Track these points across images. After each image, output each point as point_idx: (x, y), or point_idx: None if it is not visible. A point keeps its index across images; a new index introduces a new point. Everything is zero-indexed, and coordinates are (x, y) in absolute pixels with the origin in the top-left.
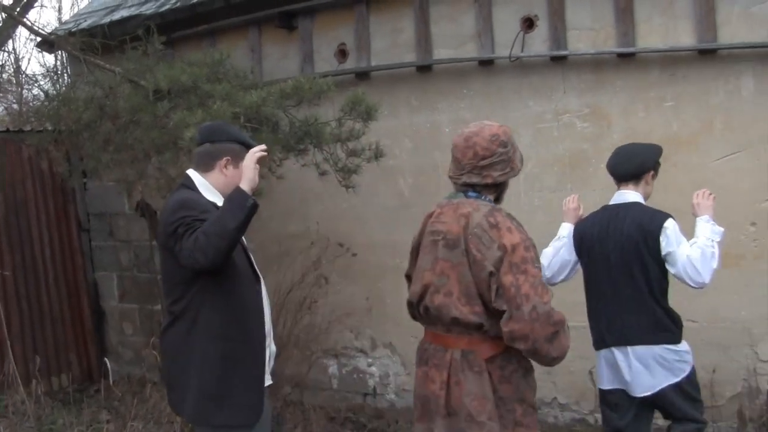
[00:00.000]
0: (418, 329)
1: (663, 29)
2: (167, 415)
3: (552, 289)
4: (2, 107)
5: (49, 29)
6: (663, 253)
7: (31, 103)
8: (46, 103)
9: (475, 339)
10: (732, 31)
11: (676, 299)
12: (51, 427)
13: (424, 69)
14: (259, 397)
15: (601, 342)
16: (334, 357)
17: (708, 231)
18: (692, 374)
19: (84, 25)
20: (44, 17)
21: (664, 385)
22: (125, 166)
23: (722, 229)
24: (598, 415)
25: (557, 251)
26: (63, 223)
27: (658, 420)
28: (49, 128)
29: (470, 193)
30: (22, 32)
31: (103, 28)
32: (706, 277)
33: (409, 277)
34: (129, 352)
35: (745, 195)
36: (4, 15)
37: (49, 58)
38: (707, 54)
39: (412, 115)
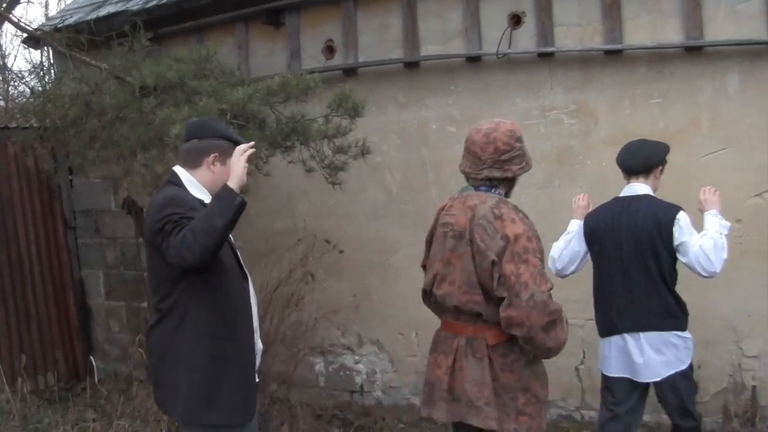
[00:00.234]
0: (405, 326)
1: (650, 26)
2: (154, 413)
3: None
4: None
5: (35, 25)
6: (676, 243)
7: (17, 100)
8: (32, 100)
9: (479, 327)
10: (718, 28)
11: None
12: (37, 426)
13: (412, 65)
14: (250, 396)
15: (612, 328)
16: (320, 354)
17: (716, 224)
18: (692, 364)
19: (70, 21)
20: (31, 13)
21: (672, 372)
22: (111, 163)
23: (729, 224)
24: (585, 412)
25: (568, 243)
26: (49, 221)
27: (645, 416)
28: (35, 125)
29: (481, 187)
30: (8, 29)
31: (89, 24)
32: (718, 267)
33: (424, 267)
34: (115, 350)
35: (731, 192)
36: None
37: (36, 55)
38: (694, 51)
39: (400, 111)
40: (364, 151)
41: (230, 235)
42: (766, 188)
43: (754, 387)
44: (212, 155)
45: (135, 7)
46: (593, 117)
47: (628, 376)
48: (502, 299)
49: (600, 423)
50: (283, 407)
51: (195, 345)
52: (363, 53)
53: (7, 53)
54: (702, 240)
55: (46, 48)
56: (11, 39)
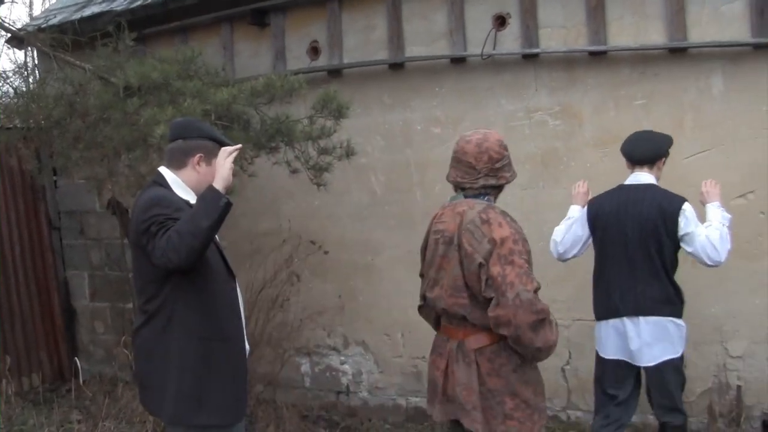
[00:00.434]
0: (391, 327)
1: (634, 28)
2: (139, 414)
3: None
4: None
5: (19, 25)
6: (681, 233)
7: (1, 100)
8: (15, 100)
9: (468, 331)
10: (702, 30)
11: None
12: (21, 427)
13: (397, 66)
14: (240, 396)
15: (612, 312)
16: (306, 355)
17: (719, 215)
18: (683, 357)
19: (54, 21)
20: (15, 13)
21: (667, 357)
22: (95, 164)
23: (730, 216)
24: (571, 412)
25: (569, 228)
26: (33, 222)
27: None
28: (19, 125)
29: (469, 195)
30: None
31: (73, 24)
32: (723, 257)
33: (422, 276)
34: (100, 351)
35: None
36: None
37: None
38: (678, 53)
39: (385, 112)
40: (349, 153)
41: (216, 236)
42: (751, 189)
43: (739, 387)
44: (197, 155)
45: (119, 8)
46: (578, 118)
47: (625, 359)
48: (489, 301)
49: (597, 408)
50: (268, 408)
51: (183, 346)
52: (348, 54)
53: None
54: (708, 230)
55: (30, 48)
56: None
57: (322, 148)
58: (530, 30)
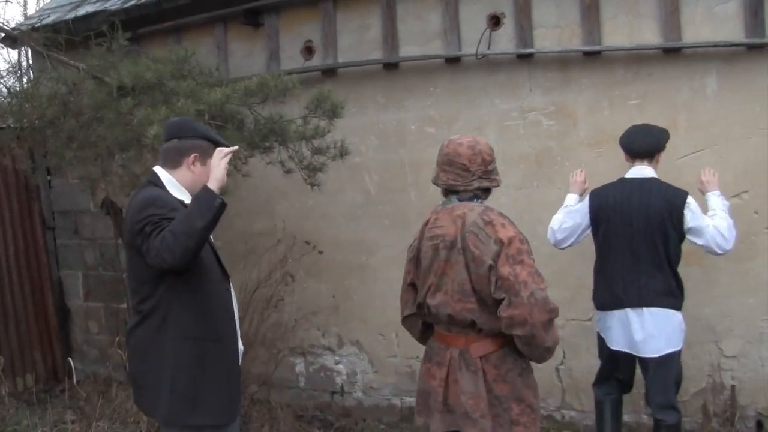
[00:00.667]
0: (385, 327)
1: (628, 28)
2: (133, 414)
3: None
4: None
5: (13, 24)
6: (687, 226)
7: None
8: (9, 100)
9: (471, 338)
10: (696, 30)
11: None
12: (15, 428)
13: (391, 66)
14: (234, 396)
15: (616, 303)
16: (301, 355)
17: (720, 204)
18: (681, 352)
19: (48, 20)
20: (9, 12)
21: (670, 350)
22: (89, 164)
23: (729, 203)
24: (565, 411)
25: (567, 216)
26: (27, 221)
27: (625, 416)
28: (12, 125)
29: (463, 199)
30: None
31: (67, 24)
32: (731, 244)
33: (413, 285)
34: (94, 351)
35: None
36: None
37: (14, 54)
38: (672, 53)
39: (379, 112)
40: (343, 152)
41: (210, 236)
42: (745, 189)
43: (733, 387)
44: (192, 155)
45: (113, 7)
46: (572, 118)
47: (628, 351)
48: (497, 304)
49: (599, 381)
50: (263, 408)
51: (178, 346)
52: (342, 54)
53: None
54: (714, 221)
55: (23, 47)
56: None
57: (316, 147)
58: (524, 30)
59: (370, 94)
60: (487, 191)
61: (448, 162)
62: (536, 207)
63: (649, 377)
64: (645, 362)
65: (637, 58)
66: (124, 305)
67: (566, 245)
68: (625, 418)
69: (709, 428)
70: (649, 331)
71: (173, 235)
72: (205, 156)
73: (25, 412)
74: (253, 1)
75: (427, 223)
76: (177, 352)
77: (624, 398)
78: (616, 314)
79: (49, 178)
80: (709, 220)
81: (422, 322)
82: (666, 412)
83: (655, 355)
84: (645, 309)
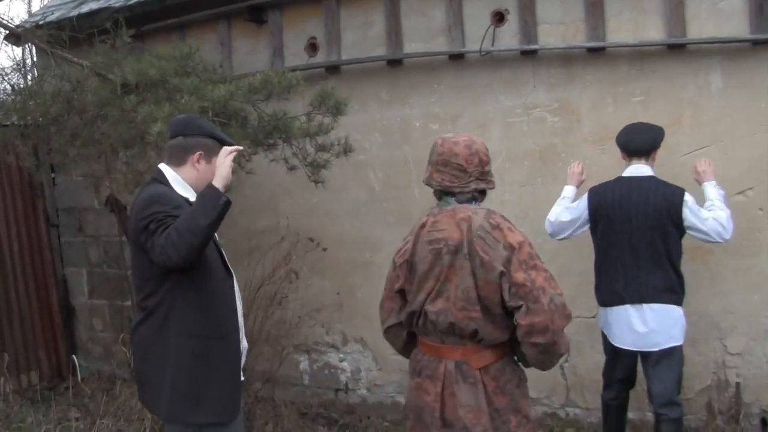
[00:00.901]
0: None
1: (632, 24)
2: (137, 412)
3: None
4: None
5: (17, 22)
6: (686, 223)
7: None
8: (13, 97)
9: (468, 349)
10: (700, 26)
11: None
12: (20, 425)
13: (395, 63)
14: (236, 394)
15: (617, 299)
16: (305, 352)
17: (717, 194)
18: (682, 348)
19: (52, 17)
20: (14, 10)
21: (671, 344)
22: (92, 161)
23: (724, 192)
24: (570, 409)
25: (565, 210)
26: (31, 219)
27: (630, 413)
28: (16, 122)
29: (462, 201)
30: None
31: (71, 21)
32: (730, 233)
33: (401, 292)
34: (99, 349)
35: None
36: None
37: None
38: (676, 49)
39: (383, 109)
40: (347, 149)
41: (215, 234)
42: (749, 185)
43: (737, 384)
44: (197, 153)
45: (117, 4)
46: (576, 115)
47: (630, 348)
48: (505, 313)
49: (610, 381)
50: (267, 406)
51: (181, 343)
52: (346, 51)
53: None
54: (713, 213)
55: (27, 45)
56: None
57: (319, 144)
58: (529, 26)
59: (374, 90)
60: (483, 193)
61: (443, 162)
62: (540, 204)
63: (650, 372)
64: (646, 357)
65: (641, 54)
66: (129, 302)
67: (560, 237)
68: (630, 415)
69: (714, 425)
70: (650, 326)
71: (178, 233)
72: (209, 154)
73: (30, 409)
74: None
75: (423, 226)
76: (180, 350)
77: (629, 396)
78: (617, 310)
79: (53, 175)
80: (708, 212)
81: (407, 333)
82: (668, 407)
83: (656, 349)
84: (645, 305)
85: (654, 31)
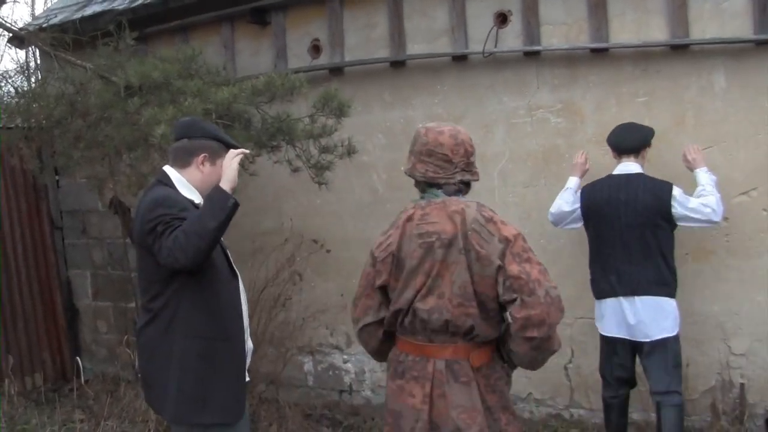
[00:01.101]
0: None
1: (636, 25)
2: (141, 413)
3: None
4: None
5: (21, 24)
6: (677, 215)
7: (4, 99)
8: (17, 100)
9: (460, 347)
10: (704, 27)
11: None
12: (24, 427)
13: (398, 64)
14: (241, 395)
15: (610, 291)
16: (309, 354)
17: (708, 179)
18: (679, 336)
19: (55, 20)
20: (17, 13)
21: (663, 335)
22: (96, 163)
23: (716, 178)
24: (574, 410)
25: (564, 202)
26: (35, 221)
27: (634, 414)
28: (20, 125)
29: (449, 193)
30: None
31: (74, 24)
32: (720, 216)
33: (383, 288)
34: (103, 351)
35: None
36: None
37: (22, 54)
38: (679, 49)
39: (386, 110)
40: (350, 151)
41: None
42: (753, 186)
43: (742, 385)
44: (201, 155)
45: (120, 7)
46: (579, 115)
47: (624, 336)
48: (499, 308)
49: (607, 379)
50: (271, 407)
51: (186, 345)
52: (349, 52)
53: None
54: (702, 198)
55: (31, 48)
56: None
57: (323, 146)
58: (532, 27)
59: (377, 92)
60: (467, 185)
61: (427, 152)
62: (544, 205)
63: (645, 363)
64: (640, 348)
65: (644, 55)
66: (133, 304)
67: (559, 226)
68: (634, 416)
69: (718, 426)
70: (641, 317)
71: (186, 235)
72: (214, 156)
73: (34, 411)
74: (260, 0)
75: (410, 219)
76: (186, 351)
77: (632, 397)
78: (610, 302)
79: (56, 177)
80: (696, 199)
81: (383, 332)
82: (665, 395)
83: (647, 340)
84: (637, 297)
85: (657, 32)
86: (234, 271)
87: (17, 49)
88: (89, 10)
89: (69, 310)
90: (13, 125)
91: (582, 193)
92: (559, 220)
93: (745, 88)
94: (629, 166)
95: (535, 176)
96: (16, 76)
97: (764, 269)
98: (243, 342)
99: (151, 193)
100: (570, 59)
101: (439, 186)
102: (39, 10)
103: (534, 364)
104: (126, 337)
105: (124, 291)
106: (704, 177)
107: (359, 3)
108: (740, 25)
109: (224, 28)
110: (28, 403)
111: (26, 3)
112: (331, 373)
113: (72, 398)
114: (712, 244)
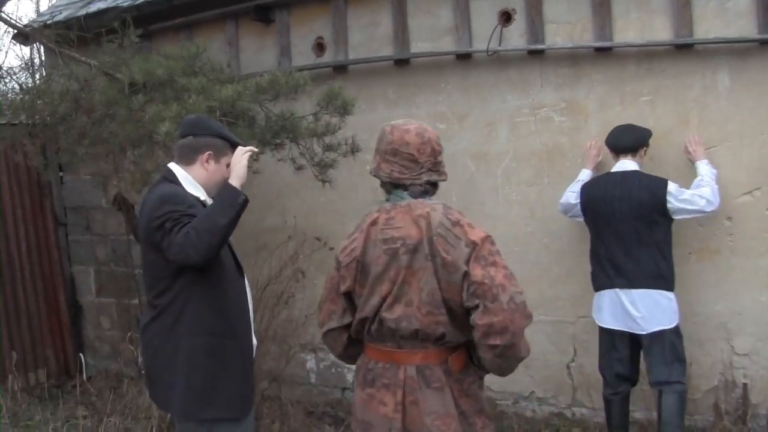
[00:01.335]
0: None
1: (640, 23)
2: (144, 410)
3: (534, 277)
4: None
5: (26, 21)
6: (672, 210)
7: (8, 95)
8: (21, 96)
9: (430, 353)
10: (708, 26)
11: None
12: (27, 423)
13: (402, 63)
14: (248, 391)
15: (607, 283)
16: (311, 351)
17: (709, 171)
18: (679, 329)
19: (60, 17)
20: (22, 9)
21: (659, 328)
22: (100, 160)
23: (716, 171)
24: (576, 409)
25: (570, 194)
26: (39, 218)
27: (636, 413)
28: (24, 121)
29: (415, 195)
30: None
31: (79, 20)
32: (717, 204)
33: (348, 294)
34: (106, 347)
35: (721, 190)
36: None
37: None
38: (683, 49)
39: (390, 108)
40: (354, 149)
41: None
42: (757, 186)
43: (745, 385)
44: (206, 153)
45: (125, 4)
46: (583, 114)
47: (621, 328)
48: (467, 313)
49: (606, 376)
50: (274, 405)
51: (194, 341)
52: (353, 50)
53: None
54: (697, 190)
55: (35, 44)
56: (2, 36)
57: (327, 144)
58: (536, 26)
59: (381, 90)
60: (435, 186)
61: (392, 152)
62: (547, 203)
63: (647, 357)
64: (639, 341)
65: (648, 54)
66: (136, 301)
67: (567, 216)
68: (637, 415)
69: (721, 426)
70: (638, 309)
71: (197, 232)
72: (218, 154)
73: (37, 407)
74: None
75: (374, 223)
76: (193, 347)
77: (635, 396)
78: (608, 293)
79: (60, 174)
80: (690, 191)
81: (347, 336)
82: (664, 384)
83: (644, 333)
84: (634, 290)
85: (661, 31)
86: (240, 268)
87: (22, 46)
88: (94, 7)
89: (72, 307)
90: (17, 122)
91: (582, 190)
92: (566, 210)
93: (750, 88)
94: (625, 164)
95: (538, 175)
96: (20, 73)
97: (767, 269)
98: (250, 339)
99: (158, 190)
100: (574, 58)
101: (405, 187)
102: (44, 6)
103: (501, 371)
104: (129, 333)
105: (128, 287)
106: (705, 169)
107: (363, 1)
108: (744, 25)
109: (228, 26)
110: (32, 399)
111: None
112: (333, 370)
113: (75, 395)
114: (715, 244)
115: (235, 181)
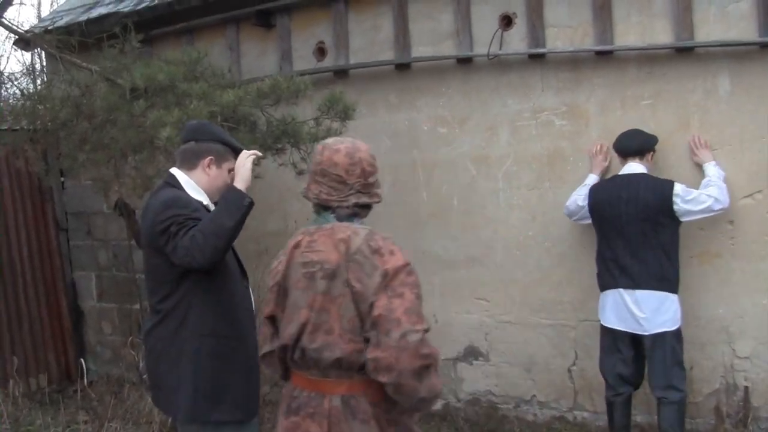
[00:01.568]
0: None
1: (640, 27)
2: (145, 415)
3: (535, 281)
4: None
5: (27, 27)
6: (680, 211)
7: (9, 101)
8: (22, 102)
9: (356, 382)
10: (709, 30)
11: None
12: (28, 428)
13: (403, 67)
14: (254, 393)
15: (612, 283)
16: None
17: (717, 172)
18: (680, 333)
19: (61, 22)
20: (24, 15)
21: (662, 330)
22: (102, 166)
23: (724, 173)
24: (577, 413)
25: (577, 198)
26: (40, 223)
27: (637, 416)
28: (25, 127)
29: (341, 217)
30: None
31: (80, 26)
32: (726, 202)
33: (271, 318)
34: (107, 352)
35: None
36: None
37: (28, 57)
38: (684, 52)
39: (391, 113)
40: None
41: None
42: (757, 189)
43: (746, 388)
44: (208, 158)
45: (126, 9)
46: (584, 118)
47: (623, 329)
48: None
49: (606, 384)
50: (274, 409)
51: (200, 344)
52: (354, 55)
53: None
54: (705, 190)
55: (37, 50)
56: (3, 41)
57: None
58: (536, 30)
59: (382, 94)
60: (366, 208)
61: (321, 172)
62: (548, 207)
63: (648, 360)
64: (641, 342)
65: (649, 57)
66: (137, 306)
67: (572, 219)
68: (638, 419)
69: (722, 429)
70: (641, 310)
71: (203, 235)
72: (220, 159)
73: (38, 412)
74: (265, 2)
75: (297, 245)
76: (199, 350)
77: (637, 399)
78: (612, 293)
79: (62, 179)
80: (697, 191)
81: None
82: (665, 390)
83: (646, 334)
84: (638, 291)
85: (662, 34)
86: (244, 271)
87: (23, 52)
88: (95, 13)
89: (74, 312)
90: (18, 127)
91: (589, 192)
92: (572, 213)
93: (750, 91)
94: (632, 167)
95: (539, 179)
96: (22, 78)
97: None
98: (255, 341)
99: (161, 195)
100: (575, 62)
101: (332, 209)
102: (45, 12)
103: (406, 408)
104: (131, 338)
105: (129, 293)
106: (713, 170)
107: (364, 5)
108: (745, 28)
109: (229, 31)
110: (33, 404)
111: (32, 5)
112: None
113: (76, 399)
114: (717, 247)
115: (240, 184)
